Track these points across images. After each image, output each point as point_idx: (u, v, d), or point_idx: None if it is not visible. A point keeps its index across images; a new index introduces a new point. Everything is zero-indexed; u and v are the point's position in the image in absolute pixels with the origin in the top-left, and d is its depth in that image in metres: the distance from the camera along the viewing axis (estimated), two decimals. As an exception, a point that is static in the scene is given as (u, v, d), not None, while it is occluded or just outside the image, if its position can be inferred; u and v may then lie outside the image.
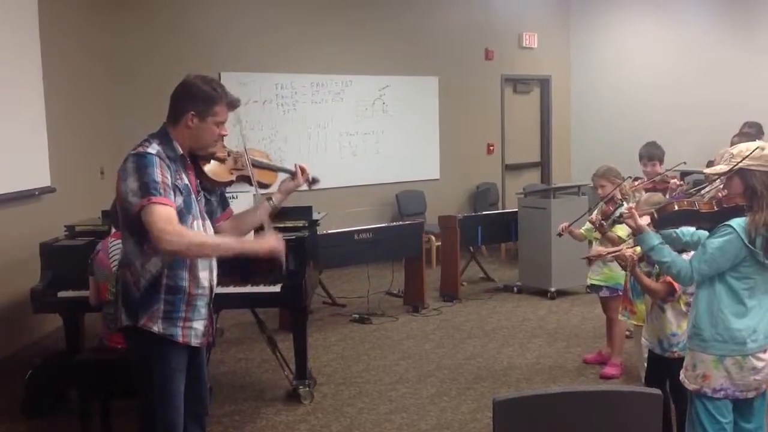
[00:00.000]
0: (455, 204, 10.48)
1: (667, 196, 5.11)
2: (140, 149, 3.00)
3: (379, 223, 8.64)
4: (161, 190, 2.91)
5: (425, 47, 10.28)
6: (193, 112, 3.07)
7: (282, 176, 3.52)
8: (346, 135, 9.69)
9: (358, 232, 7.24)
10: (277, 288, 4.96)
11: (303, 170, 3.46)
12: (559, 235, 5.56)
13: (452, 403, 5.07)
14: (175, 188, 3.00)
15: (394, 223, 8.64)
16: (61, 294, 4.80)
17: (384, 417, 4.86)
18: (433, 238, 9.07)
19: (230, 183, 3.36)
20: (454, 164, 10.57)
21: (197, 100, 3.07)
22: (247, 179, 3.35)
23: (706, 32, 11.83)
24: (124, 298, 3.07)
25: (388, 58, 9.94)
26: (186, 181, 3.09)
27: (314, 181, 3.55)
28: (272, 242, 3.10)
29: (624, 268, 4.02)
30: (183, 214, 3.02)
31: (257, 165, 3.39)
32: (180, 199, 3.02)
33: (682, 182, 5.78)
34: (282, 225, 5.30)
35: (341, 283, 8.25)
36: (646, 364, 4.68)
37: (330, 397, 5.20)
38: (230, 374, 5.69)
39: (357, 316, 7.16)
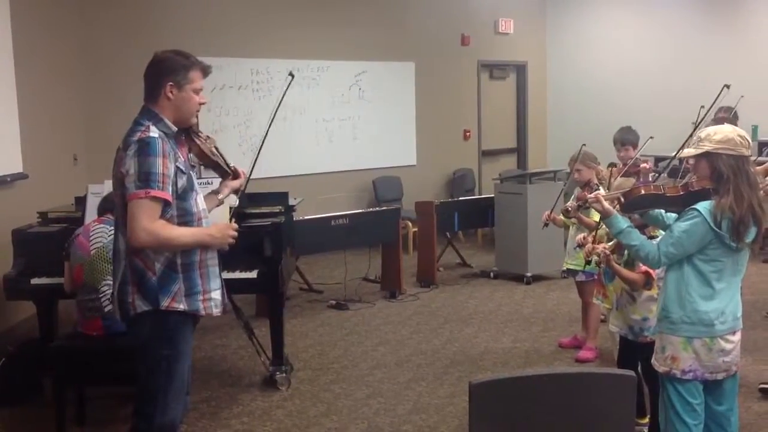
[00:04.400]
0: (432, 190, 10.50)
1: (642, 180, 5.15)
2: (142, 135, 3.01)
3: (355, 209, 8.64)
4: (161, 183, 2.96)
5: (402, 33, 10.26)
6: (171, 83, 3.11)
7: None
8: (322, 121, 9.66)
9: (335, 218, 7.23)
10: (253, 274, 4.96)
11: (242, 173, 3.54)
12: (545, 225, 5.55)
13: (429, 388, 5.10)
14: (178, 170, 3.07)
15: (371, 209, 8.64)
16: (35, 281, 4.76)
17: (361, 402, 4.88)
18: (410, 224, 9.09)
19: (211, 161, 3.40)
20: (430, 150, 10.58)
21: (171, 70, 3.11)
22: (215, 165, 3.42)
23: (683, 19, 11.93)
24: (138, 285, 3.07)
25: (365, 44, 9.91)
26: (182, 157, 3.14)
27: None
28: (221, 235, 3.17)
29: (597, 264, 4.05)
30: (187, 192, 3.11)
31: (217, 155, 3.43)
32: (183, 178, 3.09)
33: (649, 165, 5.83)
34: (258, 211, 5.30)
35: (318, 269, 8.25)
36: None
37: (307, 383, 5.21)
38: (206, 361, 5.68)
39: (334, 302, 7.17)
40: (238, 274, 4.95)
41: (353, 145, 9.94)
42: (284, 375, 5.13)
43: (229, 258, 4.89)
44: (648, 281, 3.89)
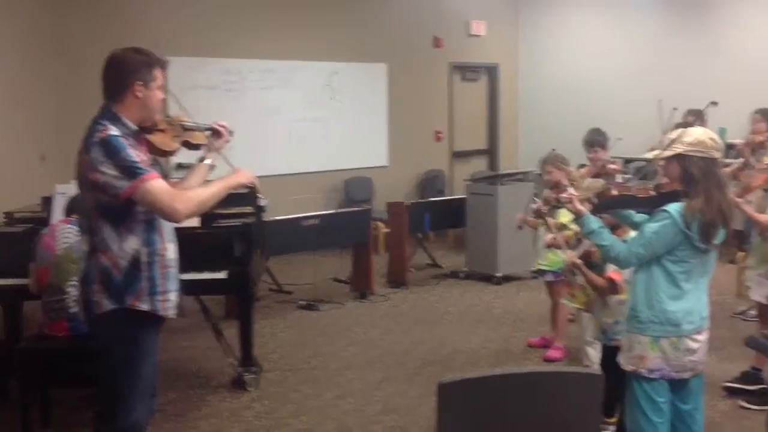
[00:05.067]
0: (403, 191, 10.49)
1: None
2: (101, 135, 2.99)
3: (327, 210, 8.63)
4: (146, 167, 2.99)
5: (374, 34, 10.26)
6: (140, 82, 3.09)
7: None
8: (294, 122, 9.62)
9: (306, 218, 7.21)
10: (223, 275, 4.94)
11: (222, 126, 3.49)
12: (519, 228, 5.58)
13: (399, 388, 5.10)
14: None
15: (342, 210, 8.63)
16: (0, 282, 4.69)
17: (330, 402, 4.87)
18: (381, 224, 9.07)
19: (177, 150, 3.38)
20: (402, 151, 10.59)
21: (137, 69, 3.10)
22: (186, 144, 3.41)
23: (654, 22, 12.03)
24: (104, 284, 3.06)
25: (338, 45, 9.89)
26: (143, 156, 3.11)
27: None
28: (246, 172, 3.34)
29: (573, 273, 4.07)
30: None
31: (189, 128, 3.42)
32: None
33: (617, 167, 5.88)
34: (227, 211, 5.26)
35: (288, 270, 8.20)
36: (589, 349, 4.79)
37: (276, 384, 5.19)
38: (174, 362, 5.62)
39: (304, 302, 7.14)
40: (207, 275, 4.92)
41: (325, 145, 9.91)
42: (253, 376, 5.11)
43: (198, 259, 4.92)
44: (613, 287, 3.91)
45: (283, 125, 9.52)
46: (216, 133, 3.47)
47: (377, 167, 10.36)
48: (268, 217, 6.32)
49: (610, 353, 4.07)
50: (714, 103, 6.64)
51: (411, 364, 5.55)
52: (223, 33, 8.94)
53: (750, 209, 4.58)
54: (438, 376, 5.08)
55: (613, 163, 5.95)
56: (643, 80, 11.64)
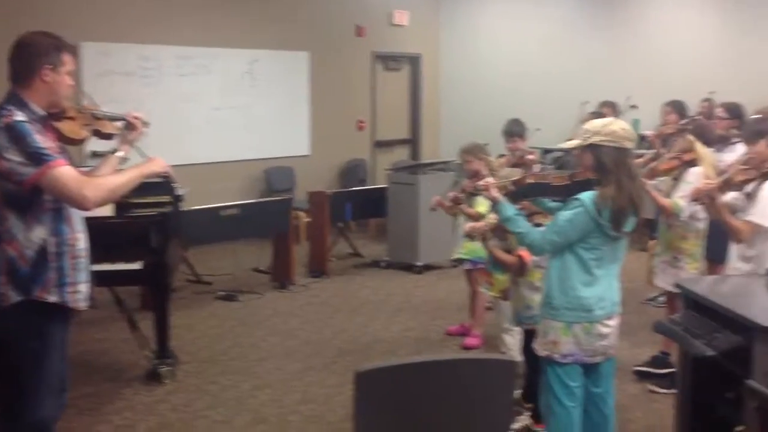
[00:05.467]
0: (325, 180, 10.44)
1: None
2: (6, 120, 2.89)
3: (247, 199, 8.52)
4: (53, 154, 2.90)
5: (296, 22, 10.16)
6: (48, 66, 3.01)
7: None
8: (213, 110, 9.45)
9: (224, 208, 7.11)
10: (138, 265, 4.83)
11: (137, 118, 3.41)
12: (433, 209, 5.63)
13: (318, 377, 5.08)
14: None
15: (262, 200, 8.54)
16: None
17: (248, 393, 4.82)
18: (302, 214, 9.02)
19: (86, 139, 3.31)
20: (324, 140, 10.53)
21: (45, 53, 3.02)
22: (97, 133, 3.33)
23: (572, 14, 12.26)
24: (9, 275, 2.96)
25: (258, 32, 9.75)
26: (50, 143, 3.01)
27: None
28: (160, 161, 3.28)
29: (472, 239, 4.12)
30: None
31: (100, 116, 3.35)
32: None
33: (535, 157, 5.97)
34: (143, 201, 5.14)
35: (207, 261, 8.06)
36: (506, 336, 4.85)
37: (193, 376, 5.10)
38: (87, 355, 5.47)
39: (223, 293, 7.04)
40: (121, 266, 4.82)
41: (245, 134, 9.76)
42: (169, 368, 5.01)
43: (112, 249, 4.80)
44: (522, 265, 3.98)
45: (202, 113, 9.34)
46: (129, 125, 3.39)
47: (299, 156, 10.28)
48: (186, 206, 6.21)
49: (528, 339, 4.15)
50: (633, 106, 6.80)
51: (330, 354, 5.53)
52: (139, 18, 8.71)
53: (656, 193, 4.71)
54: (357, 365, 5.07)
55: (531, 153, 6.04)
56: (560, 73, 11.85)
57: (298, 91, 10.28)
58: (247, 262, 7.95)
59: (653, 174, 4.82)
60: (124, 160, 3.35)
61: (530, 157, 5.83)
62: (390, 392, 2.58)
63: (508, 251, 4.09)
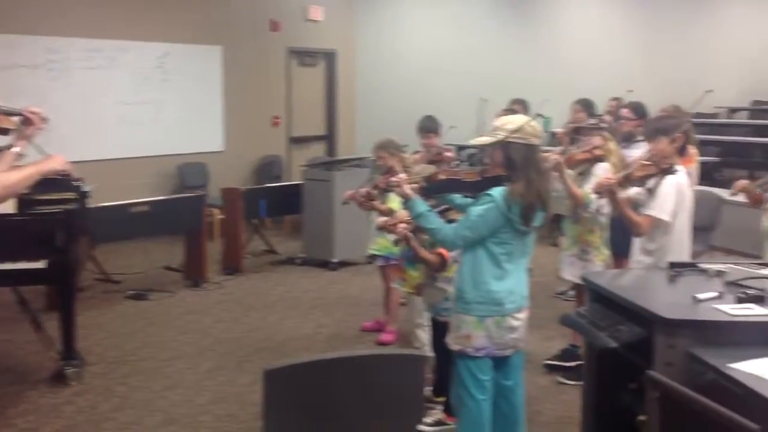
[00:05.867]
0: (240, 176, 10.31)
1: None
2: None
3: (159, 195, 8.34)
4: None
5: (208, 15, 9.98)
6: None
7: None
8: (123, 104, 9.20)
9: (135, 205, 6.93)
10: (42, 264, 4.68)
11: (35, 113, 3.29)
12: (345, 203, 5.60)
13: (230, 376, 5.01)
14: None
15: (173, 196, 8.37)
16: None
17: (158, 394, 4.72)
18: (216, 211, 8.89)
19: None
20: (238, 136, 10.39)
21: None
22: None
23: (486, 12, 12.45)
24: None
25: (169, 25, 9.55)
26: None
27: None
28: (59, 158, 3.22)
29: (396, 243, 4.13)
30: None
31: None
32: None
33: (452, 154, 6.03)
34: (47, 197, 4.97)
35: (117, 259, 7.86)
36: (419, 331, 4.88)
37: (100, 377, 4.96)
38: (-11, 357, 5.29)
39: (133, 292, 6.87)
40: (24, 265, 4.66)
41: (157, 129, 9.55)
42: (75, 370, 4.86)
43: (14, 247, 4.63)
44: (443, 262, 4.01)
45: (112, 107, 9.09)
46: (27, 120, 3.27)
47: (212, 152, 10.12)
48: (94, 203, 6.05)
49: (439, 333, 4.18)
50: (540, 115, 6.86)
51: (243, 352, 5.47)
52: (46, 9, 8.41)
53: (571, 181, 4.82)
54: (270, 363, 5.06)
55: (448, 150, 6.08)
56: (474, 70, 12.03)
57: (211, 86, 10.12)
58: (158, 260, 7.79)
59: (570, 163, 4.94)
60: (20, 156, 3.23)
61: (448, 154, 5.87)
62: (300, 390, 2.56)
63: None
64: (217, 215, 8.88)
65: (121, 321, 6.18)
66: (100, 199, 6.73)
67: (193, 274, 7.31)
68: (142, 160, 9.32)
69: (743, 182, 4.53)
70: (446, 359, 4.03)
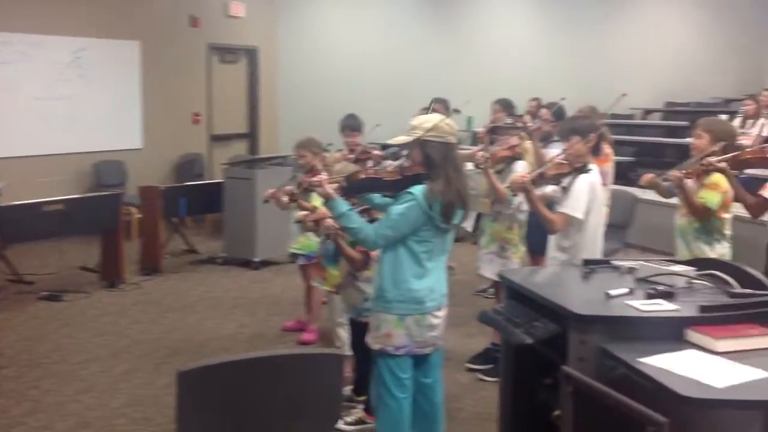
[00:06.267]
0: (159, 175, 10.10)
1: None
2: None
3: (76, 194, 8.11)
4: None
5: (126, 10, 9.75)
6: None
7: None
8: (36, 100, 8.92)
9: (48, 203, 6.72)
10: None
11: None
12: (266, 201, 5.54)
13: (146, 379, 4.90)
14: None
15: (89, 195, 8.16)
16: None
17: (71, 398, 4.59)
18: (134, 210, 8.70)
19: None
20: (158, 134, 10.18)
21: None
22: None
23: (406, 12, 12.51)
24: None
25: (84, 19, 9.29)
26: None
27: None
28: None
29: (328, 237, 4.10)
30: None
31: None
32: None
33: (382, 152, 6.02)
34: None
35: (30, 259, 7.60)
36: (340, 330, 4.86)
37: (11, 381, 4.81)
38: None
39: (46, 293, 6.66)
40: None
41: (72, 126, 9.28)
42: (-17, 374, 4.70)
43: None
44: (367, 260, 4.01)
45: (24, 103, 8.80)
46: None
47: (130, 150, 9.89)
48: (5, 201, 5.86)
49: (359, 333, 4.17)
50: (456, 110, 6.92)
51: (160, 354, 5.36)
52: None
53: (495, 177, 4.89)
54: (188, 365, 4.98)
55: (374, 148, 6.07)
56: (398, 69, 12.10)
57: (129, 82, 9.89)
58: (73, 260, 7.57)
59: (492, 161, 5.01)
60: None
61: (376, 152, 5.86)
62: (215, 391, 2.53)
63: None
64: (136, 214, 8.69)
65: (34, 323, 5.99)
66: (13, 198, 6.56)
67: (110, 274, 7.13)
68: (56, 157, 9.07)
69: (649, 176, 4.66)
70: (366, 358, 4.03)
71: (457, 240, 7.96)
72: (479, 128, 8.25)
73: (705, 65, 15.81)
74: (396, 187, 3.49)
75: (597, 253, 4.15)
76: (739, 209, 4.59)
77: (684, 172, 4.18)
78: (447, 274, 3.63)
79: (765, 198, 4.15)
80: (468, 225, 6.55)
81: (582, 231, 4.12)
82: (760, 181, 4.94)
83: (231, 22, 11.18)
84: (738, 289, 3.00)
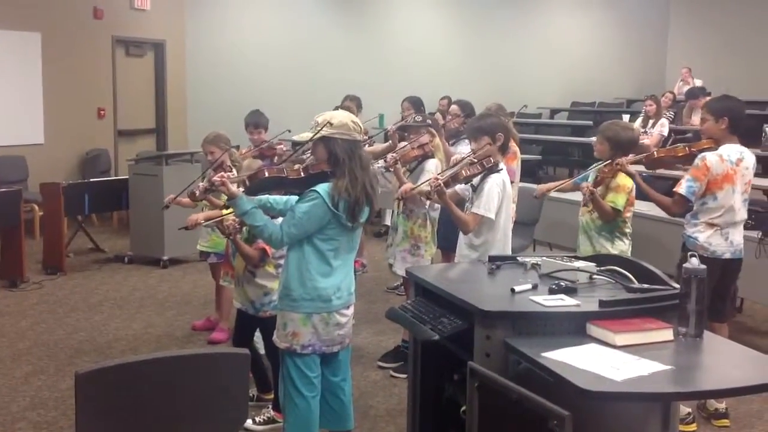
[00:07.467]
0: (63, 170, 9.81)
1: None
2: None
3: (-28, 191, 7.78)
4: None
5: (25, 0, 9.42)
6: None
7: None
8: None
9: (-58, 200, 6.45)
10: None
11: None
12: (166, 207, 5.40)
13: (49, 381, 4.75)
14: None
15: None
16: None
17: (-33, 404, 4.41)
18: (36, 207, 8.41)
19: None
20: (61, 128, 9.87)
21: None
22: None
23: (318, 7, 12.47)
24: None
25: (-19, 9, 8.95)
26: None
27: None
28: None
29: (227, 235, 4.05)
30: None
31: None
32: None
33: (285, 147, 5.99)
34: None
35: None
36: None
37: None
38: None
39: (-59, 294, 6.41)
40: None
41: (-31, 120, 8.94)
42: None
43: None
44: (263, 257, 3.99)
45: None
46: None
47: (32, 145, 9.57)
48: None
49: (250, 324, 4.17)
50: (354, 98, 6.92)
51: (64, 355, 5.20)
52: None
53: (402, 174, 4.93)
54: (86, 366, 4.85)
55: (280, 143, 6.03)
56: (307, 65, 12.07)
57: (30, 75, 9.57)
58: (-30, 259, 7.27)
59: (405, 159, 5.04)
60: None
61: (281, 146, 5.83)
62: (115, 393, 2.46)
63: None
64: (38, 211, 8.41)
65: (-75, 326, 5.73)
66: None
67: (10, 273, 6.89)
68: (-49, 152, 8.69)
69: (543, 186, 4.82)
70: (273, 356, 4.01)
71: (377, 235, 8.09)
72: (390, 126, 8.29)
73: (609, 67, 16.35)
74: (300, 185, 3.45)
75: (507, 249, 4.21)
76: (640, 207, 4.74)
77: (591, 185, 4.31)
78: (359, 271, 3.63)
79: (681, 195, 4.24)
80: (388, 220, 6.56)
81: (493, 229, 4.17)
82: (661, 181, 5.12)
83: (136, 14, 10.92)
84: (636, 285, 3.09)
